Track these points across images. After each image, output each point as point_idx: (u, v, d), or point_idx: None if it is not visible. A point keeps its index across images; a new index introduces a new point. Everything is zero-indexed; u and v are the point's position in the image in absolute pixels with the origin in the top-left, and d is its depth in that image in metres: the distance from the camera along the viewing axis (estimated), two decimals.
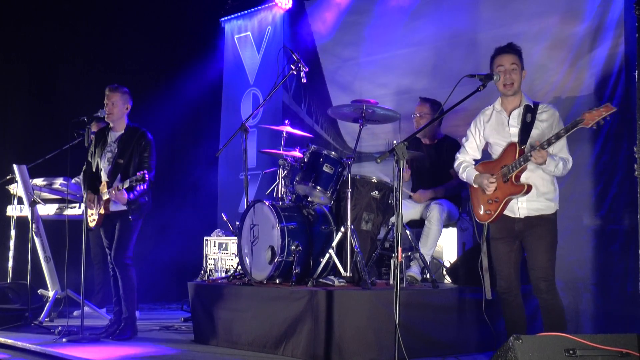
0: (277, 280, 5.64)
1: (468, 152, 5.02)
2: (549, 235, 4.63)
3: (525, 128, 4.68)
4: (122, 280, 6.05)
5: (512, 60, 4.72)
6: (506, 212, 4.70)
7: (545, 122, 4.70)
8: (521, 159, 4.55)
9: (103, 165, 6.15)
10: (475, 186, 4.84)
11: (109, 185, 6.02)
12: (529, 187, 4.59)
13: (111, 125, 6.20)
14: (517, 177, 4.61)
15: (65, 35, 9.25)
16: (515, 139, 4.69)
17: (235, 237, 6.43)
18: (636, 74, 3.53)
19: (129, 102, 6.19)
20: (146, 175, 5.77)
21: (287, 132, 6.58)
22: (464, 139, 5.08)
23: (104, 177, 6.13)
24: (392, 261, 5.75)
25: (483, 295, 4.83)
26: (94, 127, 7.57)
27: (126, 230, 6.02)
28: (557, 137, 4.44)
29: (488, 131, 4.90)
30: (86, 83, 9.06)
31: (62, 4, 9.19)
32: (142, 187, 5.92)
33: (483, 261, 4.87)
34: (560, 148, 4.65)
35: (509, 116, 4.79)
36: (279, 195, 6.27)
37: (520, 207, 4.67)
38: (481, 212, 4.78)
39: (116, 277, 6.12)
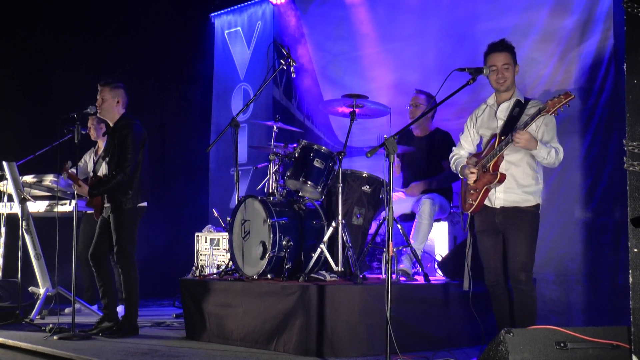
0: (269, 276, 5.63)
1: (463, 146, 5.07)
2: (527, 228, 4.63)
3: (511, 121, 4.69)
4: (122, 280, 6.04)
5: (504, 60, 4.73)
6: (486, 202, 4.75)
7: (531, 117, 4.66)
8: (501, 145, 4.58)
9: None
10: (462, 177, 4.91)
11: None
12: (502, 176, 4.62)
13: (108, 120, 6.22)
14: (495, 167, 4.65)
15: (56, 34, 9.21)
16: (499, 131, 4.72)
17: (227, 233, 6.42)
18: (625, 67, 3.53)
19: (121, 96, 6.15)
20: (115, 177, 5.88)
21: (277, 127, 6.57)
22: (460, 133, 5.11)
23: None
24: (384, 255, 5.75)
25: (469, 288, 4.84)
26: (90, 123, 7.54)
27: (117, 230, 5.99)
28: (532, 118, 4.47)
29: (479, 124, 4.95)
30: (76, 80, 9.02)
31: (53, 2, 9.15)
32: (107, 185, 5.92)
33: (467, 253, 4.90)
34: (550, 138, 4.66)
35: (497, 108, 4.82)
36: (270, 191, 6.25)
37: (497, 198, 4.70)
38: (466, 203, 4.83)
39: (98, 272, 6.10)
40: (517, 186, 4.67)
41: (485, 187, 4.68)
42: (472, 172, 4.75)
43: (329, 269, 5.55)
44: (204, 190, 10.55)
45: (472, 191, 4.76)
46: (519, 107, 4.72)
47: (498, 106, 4.84)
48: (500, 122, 4.77)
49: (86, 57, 9.39)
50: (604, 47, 6.46)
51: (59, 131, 6.42)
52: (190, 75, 10.69)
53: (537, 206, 4.69)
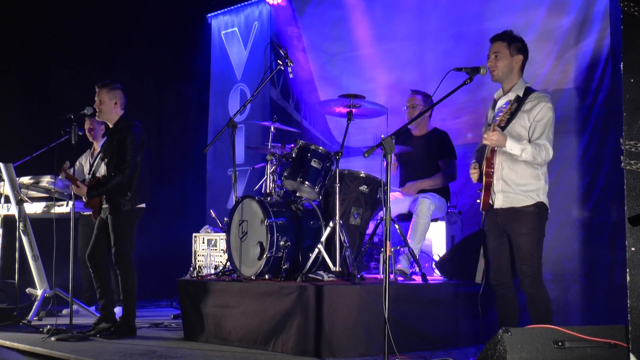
0: (267, 276, 5.63)
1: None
2: (525, 230, 4.56)
3: (508, 118, 4.64)
4: (120, 281, 6.03)
5: (495, 48, 4.72)
6: (490, 201, 4.71)
7: (526, 113, 4.59)
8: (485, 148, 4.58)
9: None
10: None
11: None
12: (487, 180, 4.61)
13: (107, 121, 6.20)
14: (488, 166, 4.62)
15: (53, 34, 9.20)
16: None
17: (224, 233, 6.42)
18: (622, 66, 3.53)
19: (119, 97, 6.13)
20: (114, 178, 5.87)
21: (275, 128, 6.57)
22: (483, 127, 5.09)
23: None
24: (381, 255, 5.75)
25: (481, 287, 4.81)
26: (86, 124, 7.55)
27: (115, 231, 5.99)
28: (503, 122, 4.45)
29: (488, 119, 4.93)
30: (74, 81, 9.02)
31: (50, 2, 9.15)
32: (106, 186, 5.91)
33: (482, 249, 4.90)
34: (539, 135, 4.55)
35: (496, 103, 4.80)
36: (268, 191, 6.25)
37: (497, 198, 4.67)
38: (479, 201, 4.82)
39: (96, 273, 6.09)
40: (512, 186, 4.61)
41: (484, 187, 4.68)
42: (472, 173, 4.75)
43: (326, 269, 5.54)
44: (201, 190, 10.55)
45: (479, 189, 4.76)
46: (518, 102, 4.64)
47: (497, 100, 4.82)
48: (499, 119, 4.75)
49: (84, 57, 9.38)
50: (600, 47, 6.47)
51: (56, 132, 6.41)
52: (187, 76, 10.69)
53: (537, 205, 4.58)
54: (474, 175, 4.73)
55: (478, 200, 4.75)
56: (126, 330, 5.98)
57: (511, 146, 4.48)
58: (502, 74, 4.72)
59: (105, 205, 6.06)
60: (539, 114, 4.54)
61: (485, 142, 4.49)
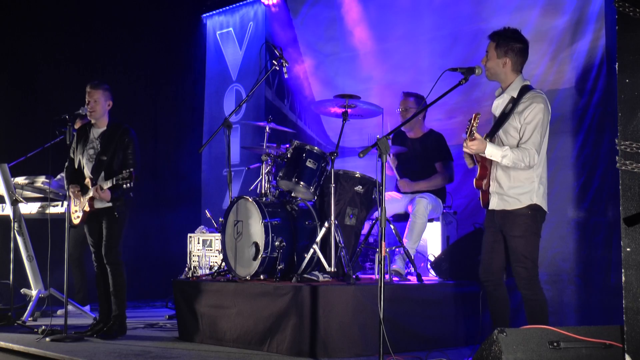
0: (262, 277, 5.63)
1: None
2: (521, 231, 4.51)
3: (501, 119, 4.61)
4: (113, 278, 6.00)
5: (487, 48, 4.69)
6: (488, 201, 4.71)
7: (518, 114, 4.53)
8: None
9: (85, 162, 6.09)
10: None
11: (93, 182, 5.96)
12: (476, 182, 4.65)
13: (93, 122, 6.14)
14: (483, 169, 4.63)
15: (45, 34, 9.18)
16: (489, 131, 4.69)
17: (219, 234, 6.41)
18: (617, 66, 3.53)
19: (111, 98, 6.12)
20: (133, 173, 5.74)
21: (270, 128, 6.57)
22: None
23: (87, 173, 6.07)
24: (376, 256, 5.75)
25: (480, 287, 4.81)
26: (77, 125, 7.53)
27: (114, 228, 5.96)
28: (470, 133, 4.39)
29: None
30: (67, 81, 8.99)
31: (44, 3, 9.12)
32: (128, 184, 5.86)
33: None
34: (526, 138, 4.47)
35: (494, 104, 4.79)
36: (263, 191, 6.24)
37: (492, 199, 4.66)
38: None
39: (102, 274, 6.07)
40: (505, 189, 4.57)
41: (481, 187, 4.70)
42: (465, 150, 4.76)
43: (321, 269, 5.54)
44: (197, 191, 10.54)
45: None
46: (512, 103, 4.59)
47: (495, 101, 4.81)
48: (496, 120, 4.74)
49: (78, 57, 9.36)
50: (595, 47, 6.48)
51: (50, 133, 6.39)
52: (183, 76, 10.68)
53: (530, 207, 4.52)
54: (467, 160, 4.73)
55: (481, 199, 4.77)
56: (119, 327, 5.97)
57: (491, 152, 4.45)
58: (492, 75, 4.68)
59: (100, 206, 6.00)
60: (528, 116, 4.48)
61: (465, 150, 4.48)
